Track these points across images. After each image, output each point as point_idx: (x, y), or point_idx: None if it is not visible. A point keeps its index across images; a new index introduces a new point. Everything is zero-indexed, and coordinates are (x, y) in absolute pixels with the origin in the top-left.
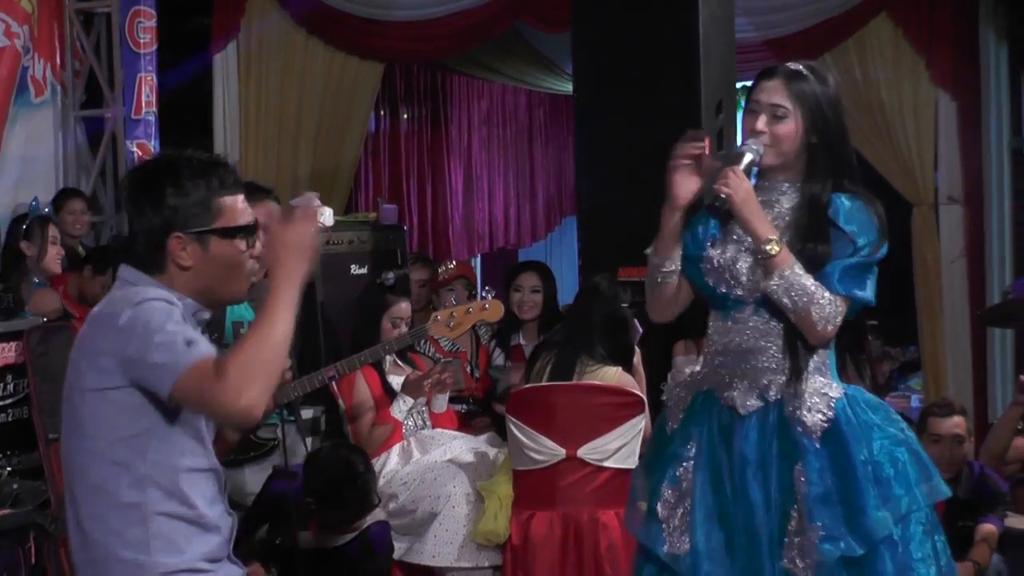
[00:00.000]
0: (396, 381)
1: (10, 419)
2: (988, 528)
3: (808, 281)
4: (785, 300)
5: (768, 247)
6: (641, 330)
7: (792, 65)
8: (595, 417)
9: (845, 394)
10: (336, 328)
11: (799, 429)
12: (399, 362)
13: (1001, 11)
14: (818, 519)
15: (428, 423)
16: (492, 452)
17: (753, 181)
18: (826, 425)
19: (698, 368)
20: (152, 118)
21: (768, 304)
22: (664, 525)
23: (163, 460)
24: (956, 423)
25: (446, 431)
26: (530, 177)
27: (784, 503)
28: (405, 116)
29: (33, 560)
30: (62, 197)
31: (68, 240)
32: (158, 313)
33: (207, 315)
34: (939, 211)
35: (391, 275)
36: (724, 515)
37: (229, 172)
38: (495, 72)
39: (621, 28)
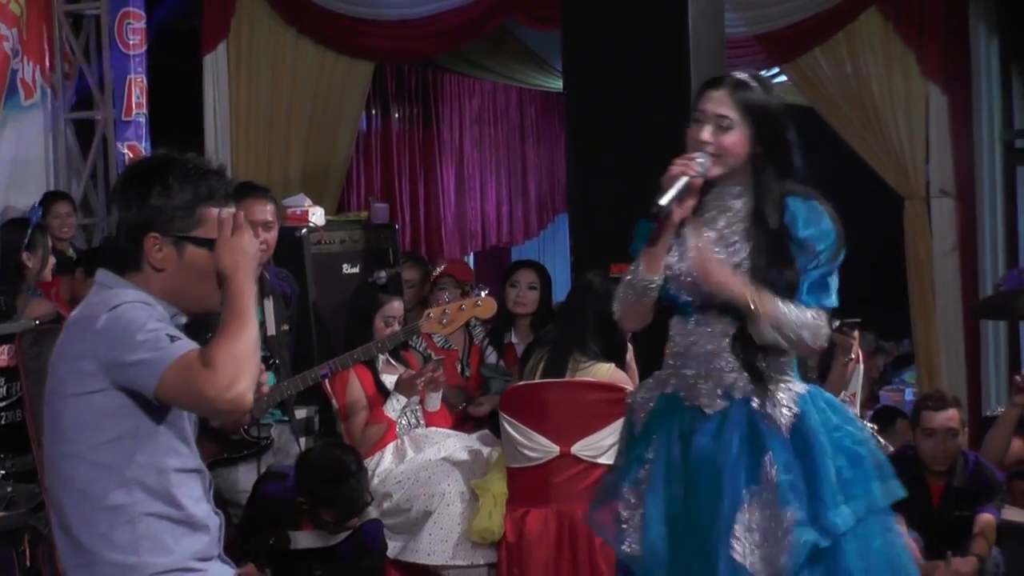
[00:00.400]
0: (389, 380)
1: (3, 422)
2: (986, 519)
3: (791, 314)
4: (782, 340)
5: (752, 307)
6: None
7: (738, 75)
8: (588, 414)
9: (808, 392)
10: (328, 327)
11: (766, 423)
12: (392, 361)
13: (991, 4)
14: (791, 505)
15: (422, 422)
16: (486, 450)
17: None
18: (793, 420)
19: (662, 371)
20: (143, 119)
21: (730, 308)
22: (625, 526)
23: (148, 461)
24: (950, 416)
25: (440, 429)
26: (522, 175)
27: (737, 493)
28: (396, 115)
29: (28, 563)
30: (48, 200)
31: (56, 243)
32: (137, 313)
33: (184, 319)
34: (931, 204)
35: (383, 274)
36: (673, 515)
37: (222, 183)
38: (486, 70)
39: (611, 24)
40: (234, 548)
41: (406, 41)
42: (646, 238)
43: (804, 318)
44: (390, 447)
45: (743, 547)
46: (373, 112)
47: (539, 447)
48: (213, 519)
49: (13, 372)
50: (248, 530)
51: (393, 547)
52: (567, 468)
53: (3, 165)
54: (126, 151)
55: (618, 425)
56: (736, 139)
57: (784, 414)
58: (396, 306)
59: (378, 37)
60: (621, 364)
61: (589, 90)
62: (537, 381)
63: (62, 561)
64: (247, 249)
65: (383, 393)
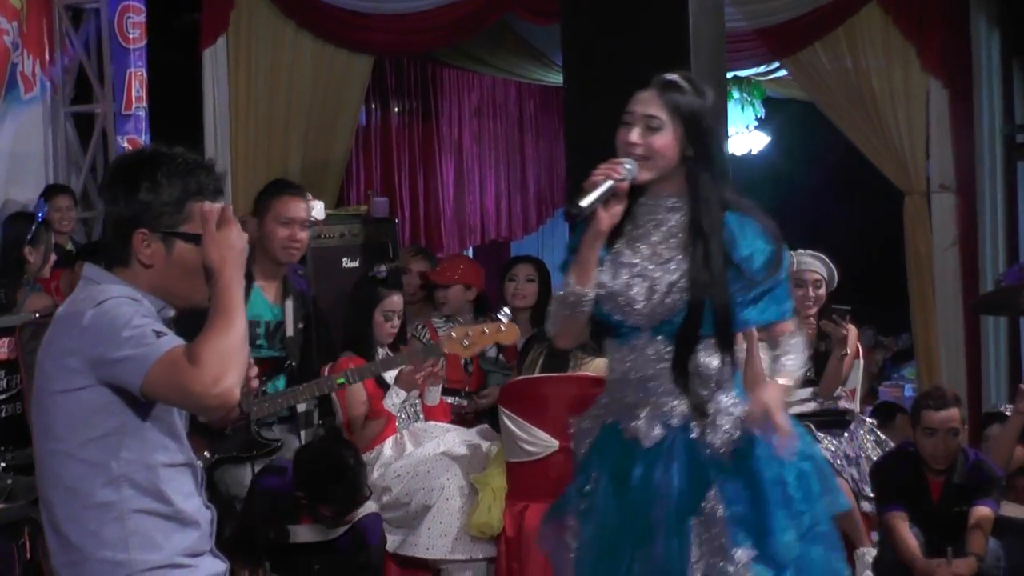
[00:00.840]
0: (389, 374)
1: (3, 415)
2: (982, 512)
3: (783, 378)
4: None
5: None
6: None
7: (668, 76)
8: (588, 408)
9: (738, 415)
10: (328, 322)
11: (707, 452)
12: (391, 355)
13: None
14: (742, 544)
15: (421, 416)
16: (485, 444)
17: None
18: (735, 443)
19: (605, 397)
20: (142, 113)
21: (665, 330)
22: (570, 554)
23: (136, 458)
24: (951, 415)
25: (439, 424)
26: (521, 169)
27: (680, 529)
28: (396, 109)
29: (28, 555)
30: (49, 193)
31: (56, 236)
32: (123, 309)
33: (171, 312)
34: (931, 199)
35: (383, 268)
36: (614, 554)
37: (211, 178)
38: (485, 64)
39: (611, 19)
40: (234, 542)
41: (406, 35)
42: (566, 261)
43: (789, 363)
44: (389, 441)
45: None
46: (372, 106)
47: (538, 441)
48: (204, 514)
49: (13, 365)
50: (247, 524)
51: (392, 541)
52: (566, 462)
53: (2, 158)
54: (126, 145)
55: None
56: (666, 141)
57: (724, 439)
58: (396, 300)
59: (377, 31)
60: None
61: (589, 85)
62: (536, 375)
63: (52, 559)
64: (234, 244)
65: (383, 387)
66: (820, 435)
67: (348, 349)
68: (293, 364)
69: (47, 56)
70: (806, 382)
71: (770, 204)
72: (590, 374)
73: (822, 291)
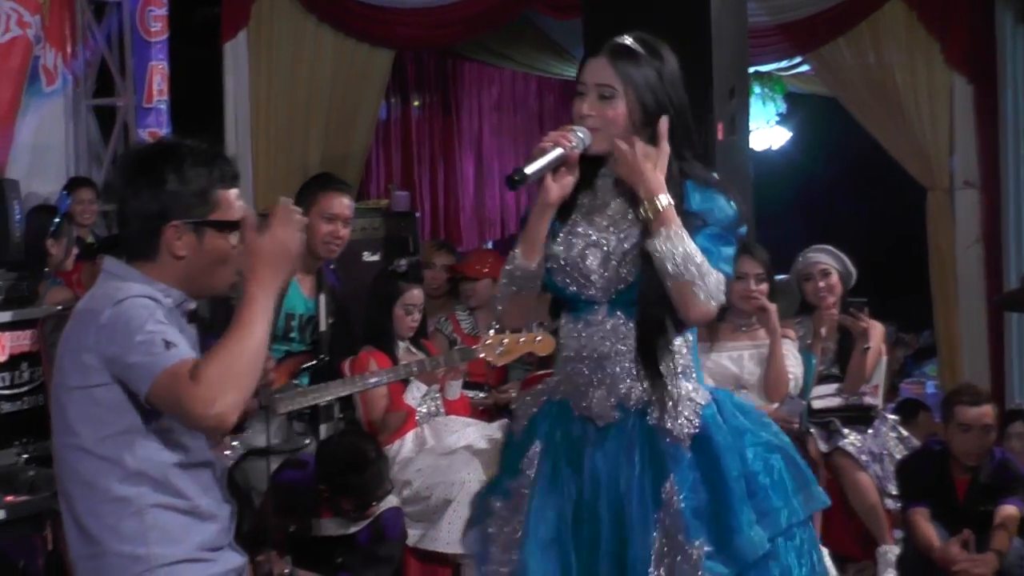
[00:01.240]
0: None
1: (26, 407)
2: (1008, 511)
3: (698, 254)
4: (669, 266)
5: (658, 201)
6: None
7: (620, 40)
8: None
9: (714, 399)
10: (348, 315)
11: (667, 439)
12: (413, 349)
13: None
14: (698, 535)
15: (442, 410)
16: None
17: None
18: (695, 431)
19: (553, 377)
20: (164, 107)
21: (623, 304)
22: (492, 545)
23: (151, 455)
24: (985, 412)
25: (460, 418)
26: None
27: (646, 521)
28: (416, 103)
29: (49, 547)
30: (72, 186)
31: (77, 229)
32: (139, 311)
33: (192, 305)
34: (954, 196)
35: (403, 262)
36: (563, 542)
37: (228, 165)
38: (505, 58)
39: (632, 13)
40: (254, 535)
41: (426, 29)
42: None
43: (706, 267)
44: (410, 435)
45: None
46: (393, 100)
47: None
48: (223, 508)
49: (36, 357)
50: (268, 517)
51: (412, 535)
52: None
53: (24, 151)
54: (147, 138)
55: None
56: (618, 110)
57: (684, 428)
58: (416, 294)
59: (398, 25)
60: None
61: None
62: None
63: (71, 551)
64: (265, 251)
65: (403, 381)
66: (845, 430)
67: (368, 343)
68: (326, 358)
69: (69, 49)
70: (831, 378)
71: (791, 199)
72: None
73: (833, 279)
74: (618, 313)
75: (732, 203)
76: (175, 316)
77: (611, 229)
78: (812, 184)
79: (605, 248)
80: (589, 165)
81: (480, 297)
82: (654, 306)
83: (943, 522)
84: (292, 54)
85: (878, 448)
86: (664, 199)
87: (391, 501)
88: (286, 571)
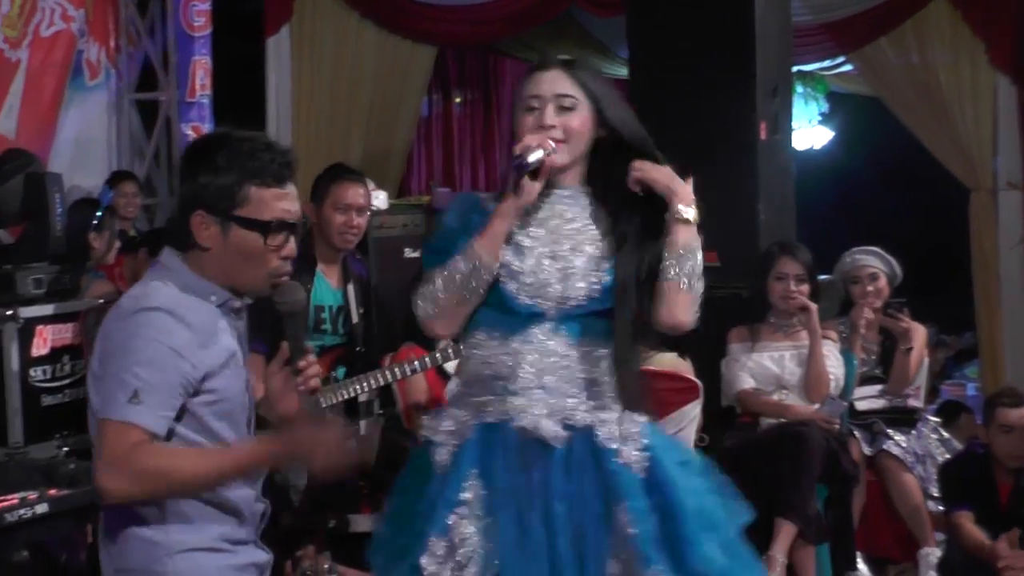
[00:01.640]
0: (449, 364)
1: (67, 399)
2: None
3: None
4: (691, 276)
5: (693, 210)
6: None
7: (562, 56)
8: (651, 403)
9: (644, 421)
10: (389, 312)
11: (617, 460)
12: (452, 343)
13: None
14: (657, 561)
15: None
16: None
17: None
18: (646, 454)
19: (469, 396)
20: (206, 101)
21: (569, 321)
22: None
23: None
24: None
25: None
26: None
27: (600, 548)
28: (457, 100)
29: (89, 539)
30: (115, 180)
31: (120, 223)
32: (145, 339)
33: (238, 303)
34: (998, 197)
35: None
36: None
37: (274, 163)
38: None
39: (677, 12)
40: (294, 531)
41: (468, 26)
42: (448, 244)
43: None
44: None
45: None
46: (434, 97)
47: None
48: (253, 507)
49: (78, 350)
50: (307, 513)
51: None
52: None
53: (68, 145)
54: (189, 132)
55: (680, 414)
56: (583, 120)
57: (633, 451)
58: None
59: (440, 22)
60: (682, 351)
61: (654, 78)
62: None
63: (100, 537)
64: (292, 449)
65: (443, 376)
66: (890, 431)
67: (409, 339)
68: (362, 350)
69: (113, 43)
70: (874, 379)
71: (833, 199)
72: (652, 368)
73: (881, 283)
74: (563, 330)
75: None
76: (217, 315)
77: (564, 243)
78: (854, 184)
79: (563, 260)
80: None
81: None
82: (632, 324)
83: (986, 525)
84: (334, 50)
85: (921, 450)
86: (693, 204)
87: None
88: (325, 566)
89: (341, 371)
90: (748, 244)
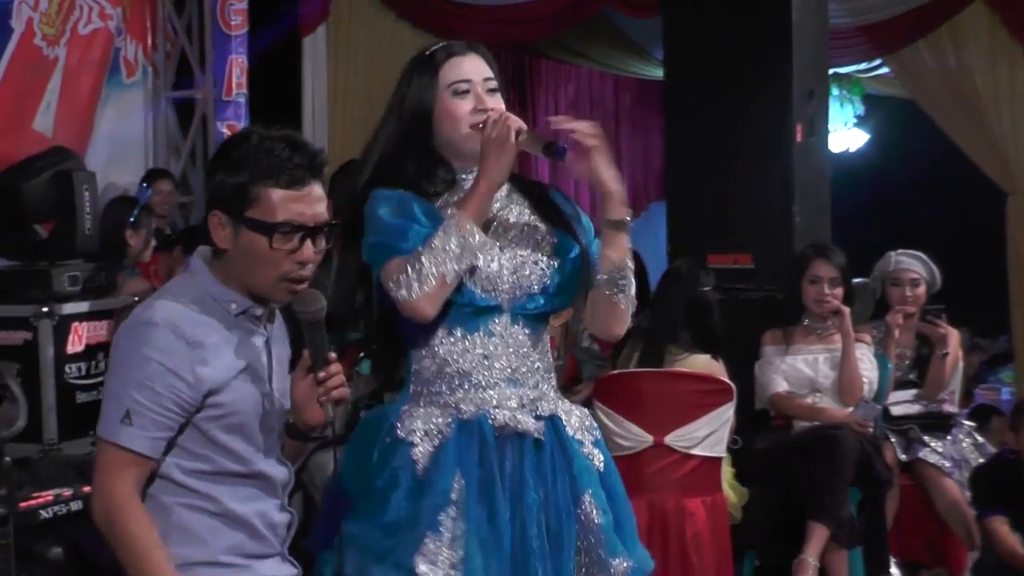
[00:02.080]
0: None
1: (101, 396)
2: None
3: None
4: (625, 279)
5: (628, 218)
6: None
7: (464, 41)
8: (683, 404)
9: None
10: None
11: (584, 452)
12: None
13: None
14: (619, 552)
15: None
16: None
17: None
18: (597, 448)
19: (436, 393)
20: (242, 99)
21: (522, 312)
22: None
23: (182, 460)
24: None
25: None
26: (616, 162)
27: (570, 537)
28: None
29: None
30: (151, 177)
31: (156, 220)
32: (140, 358)
33: (259, 311)
34: None
35: None
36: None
37: (292, 162)
38: (582, 56)
39: (712, 13)
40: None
41: (503, 26)
42: (397, 234)
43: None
44: None
45: None
46: None
47: (632, 436)
48: (272, 518)
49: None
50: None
51: None
52: (660, 458)
53: (104, 142)
54: (225, 131)
55: (713, 416)
56: (503, 103)
57: (591, 444)
58: None
59: (476, 22)
60: (716, 353)
61: (689, 79)
62: (632, 370)
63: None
64: None
65: None
66: (926, 438)
67: None
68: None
69: (149, 41)
70: (909, 383)
71: (868, 202)
72: (685, 370)
73: (920, 290)
74: (519, 321)
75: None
76: (232, 326)
77: (514, 237)
78: (889, 187)
79: (512, 252)
80: (445, 165)
81: None
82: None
83: (1019, 530)
84: (370, 49)
85: (957, 455)
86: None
87: None
88: None
89: (365, 365)
90: (783, 246)
